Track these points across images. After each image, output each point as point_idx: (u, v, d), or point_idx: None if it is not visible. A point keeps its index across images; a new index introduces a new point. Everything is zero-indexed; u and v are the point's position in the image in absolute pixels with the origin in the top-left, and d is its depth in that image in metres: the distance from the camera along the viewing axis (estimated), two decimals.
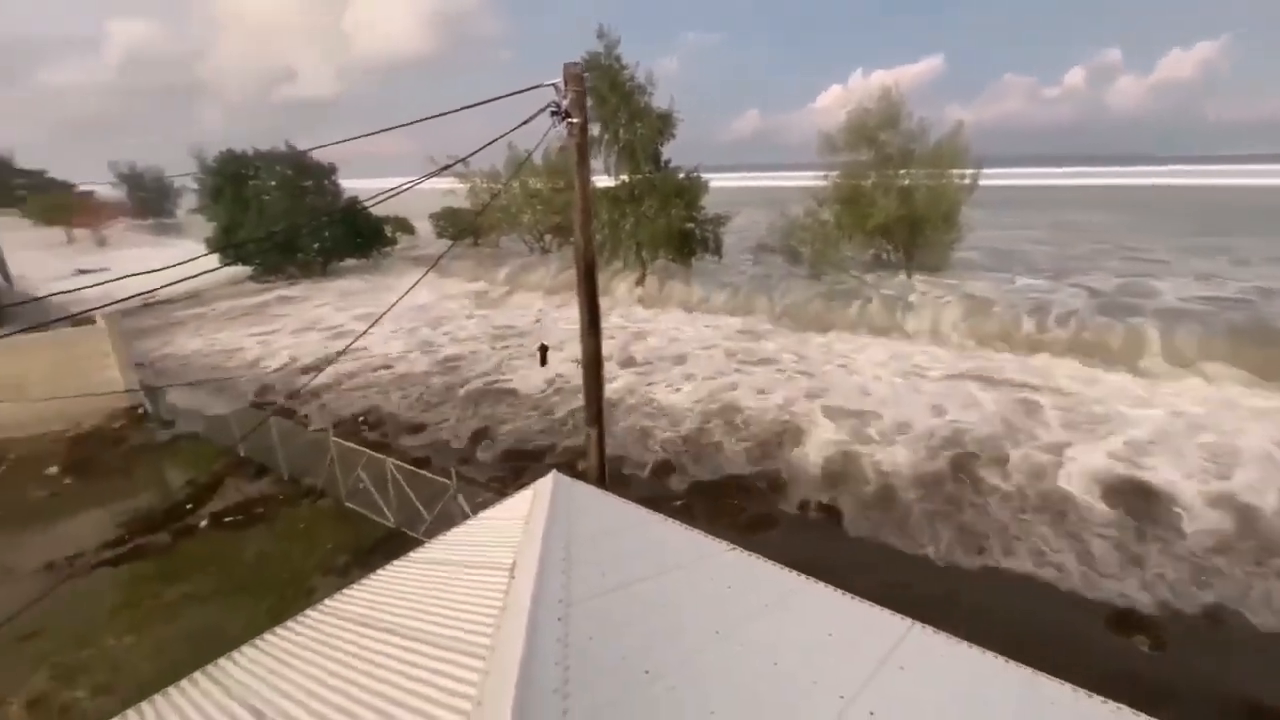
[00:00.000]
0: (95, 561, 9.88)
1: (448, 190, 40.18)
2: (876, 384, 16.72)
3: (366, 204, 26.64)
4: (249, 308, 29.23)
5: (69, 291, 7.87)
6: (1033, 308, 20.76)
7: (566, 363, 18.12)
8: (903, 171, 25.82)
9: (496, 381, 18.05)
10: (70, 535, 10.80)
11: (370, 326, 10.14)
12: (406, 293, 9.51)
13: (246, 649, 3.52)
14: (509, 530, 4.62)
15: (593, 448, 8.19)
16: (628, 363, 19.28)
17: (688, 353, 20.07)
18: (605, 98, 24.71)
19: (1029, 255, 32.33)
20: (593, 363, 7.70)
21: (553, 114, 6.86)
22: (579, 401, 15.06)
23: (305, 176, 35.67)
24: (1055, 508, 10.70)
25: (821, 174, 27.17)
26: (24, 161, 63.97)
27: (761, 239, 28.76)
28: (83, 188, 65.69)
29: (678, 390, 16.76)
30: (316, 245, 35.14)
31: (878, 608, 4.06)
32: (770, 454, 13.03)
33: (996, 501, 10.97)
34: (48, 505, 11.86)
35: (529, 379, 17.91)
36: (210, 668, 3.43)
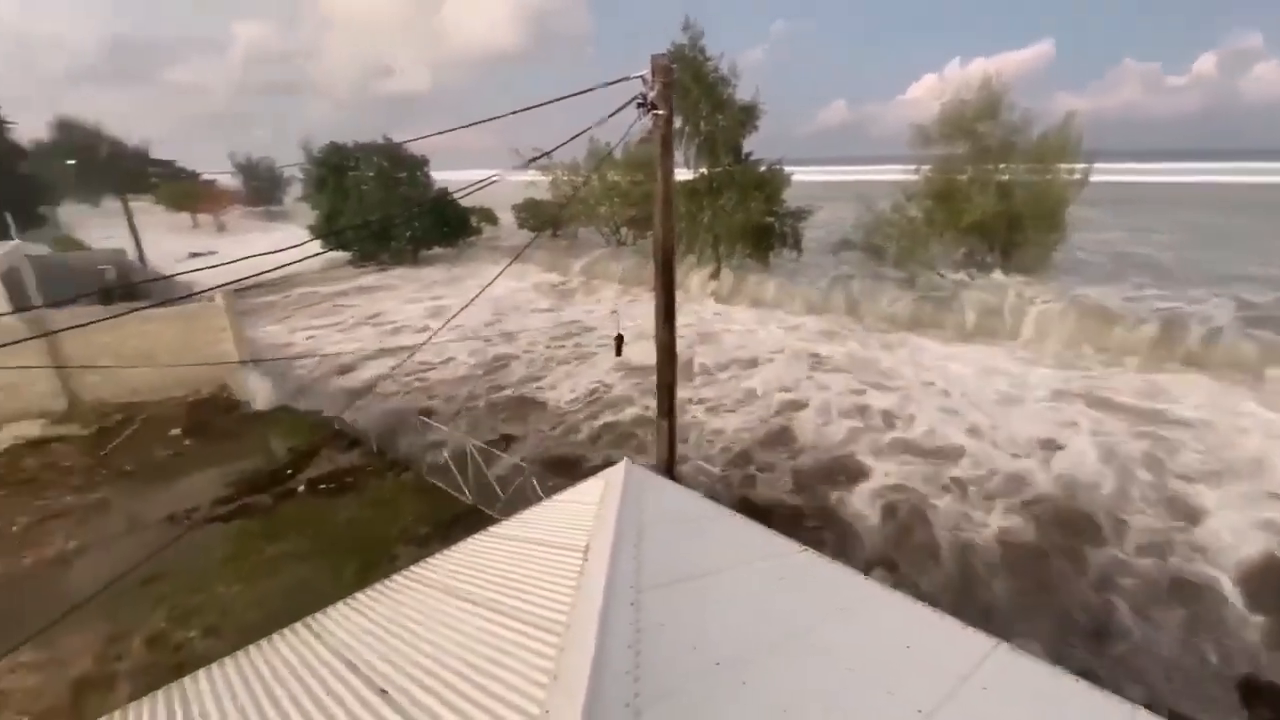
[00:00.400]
0: (208, 516, 10.87)
1: (530, 182, 41.25)
2: (966, 402, 14.92)
3: (456, 195, 27.77)
4: (323, 296, 29.93)
5: (192, 271, 8.69)
6: (1160, 319, 18.38)
7: (620, 360, 17.21)
8: (1002, 166, 24.25)
9: (533, 389, 16.77)
10: (188, 491, 11.95)
11: (440, 327, 10.55)
12: (481, 291, 9.79)
13: (340, 606, 3.78)
14: (582, 514, 4.72)
15: (663, 440, 8.22)
16: (686, 369, 17.58)
17: (757, 356, 18.94)
18: (688, 90, 24.57)
19: (1154, 260, 29.49)
20: (666, 353, 7.72)
21: (639, 106, 6.90)
22: (613, 415, 14.95)
23: (399, 168, 37.59)
24: (1189, 598, 8.31)
25: (912, 168, 25.95)
26: (157, 153, 70.62)
27: (845, 235, 27.79)
28: (206, 177, 72.09)
29: (732, 411, 15.04)
30: (408, 234, 36.95)
31: (959, 623, 3.87)
32: (827, 508, 10.85)
33: (1111, 590, 8.44)
34: (170, 463, 13.16)
35: (568, 387, 16.78)
36: (309, 620, 3.71)
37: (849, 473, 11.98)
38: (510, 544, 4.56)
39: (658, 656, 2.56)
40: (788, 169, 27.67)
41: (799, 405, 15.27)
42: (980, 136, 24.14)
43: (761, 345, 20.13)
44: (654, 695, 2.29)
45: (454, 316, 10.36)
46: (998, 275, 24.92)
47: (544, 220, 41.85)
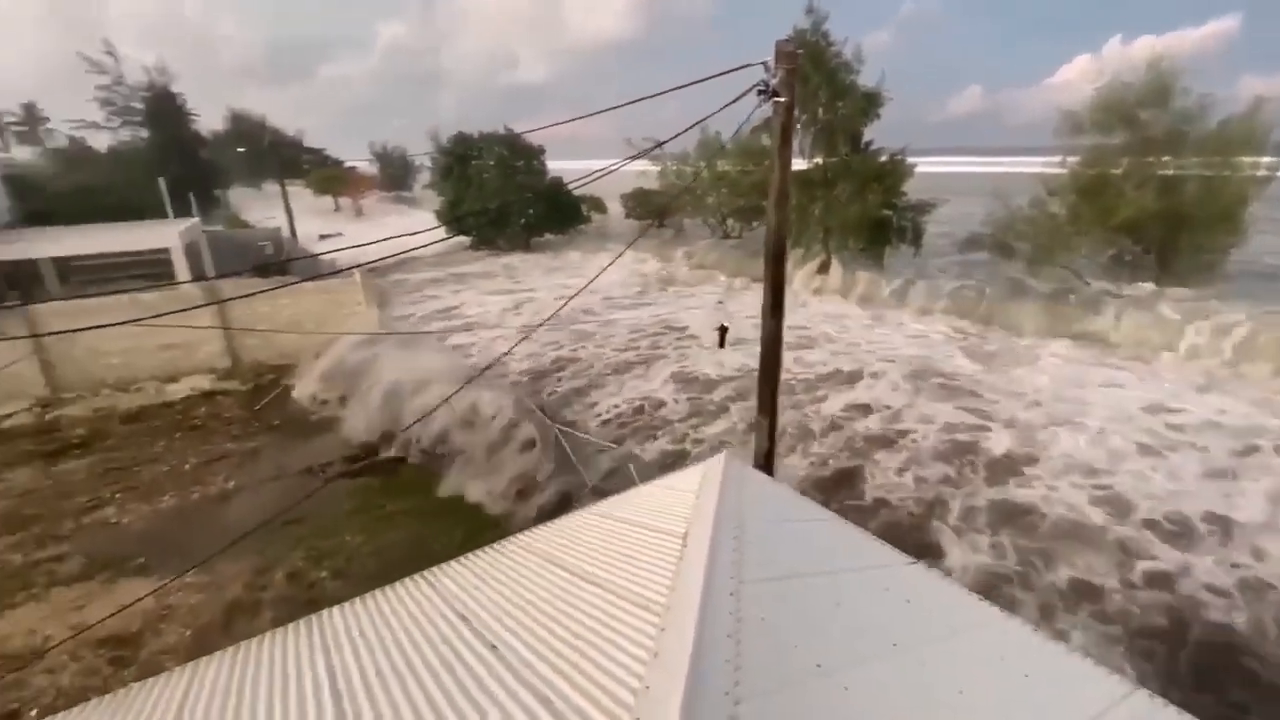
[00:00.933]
0: (340, 472, 12.04)
1: (640, 172, 41.69)
2: (1115, 440, 11.73)
3: (572, 185, 28.64)
4: (416, 284, 31.01)
5: (335, 251, 9.62)
6: None
7: (682, 371, 15.82)
8: (1166, 159, 21.39)
9: (571, 408, 14.85)
10: (323, 448, 13.29)
11: (544, 322, 10.95)
12: (589, 283, 10.08)
13: (454, 563, 4.06)
14: (679, 501, 4.74)
15: (762, 436, 8.08)
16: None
17: (861, 368, 16.40)
18: (807, 77, 23.73)
19: None
20: (772, 346, 7.55)
21: (759, 93, 6.75)
22: (643, 444, 12.43)
23: (518, 157, 39.29)
24: None
25: (1056, 159, 23.50)
26: (309, 142, 78.20)
27: (973, 232, 25.74)
28: (348, 164, 78.98)
29: (794, 449, 12.15)
30: (522, 221, 38.61)
31: (1090, 661, 3.51)
32: None
33: None
34: (310, 421, 14.68)
35: (610, 403, 14.82)
36: (425, 573, 4.01)
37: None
38: (608, 522, 4.68)
39: (758, 650, 2.53)
40: (911, 159, 26.03)
41: (887, 442, 12.20)
42: (1142, 125, 21.43)
43: (867, 354, 18.10)
44: (753, 688, 2.26)
45: (561, 307, 10.71)
46: (1150, 285, 22.13)
47: (651, 210, 42.17)
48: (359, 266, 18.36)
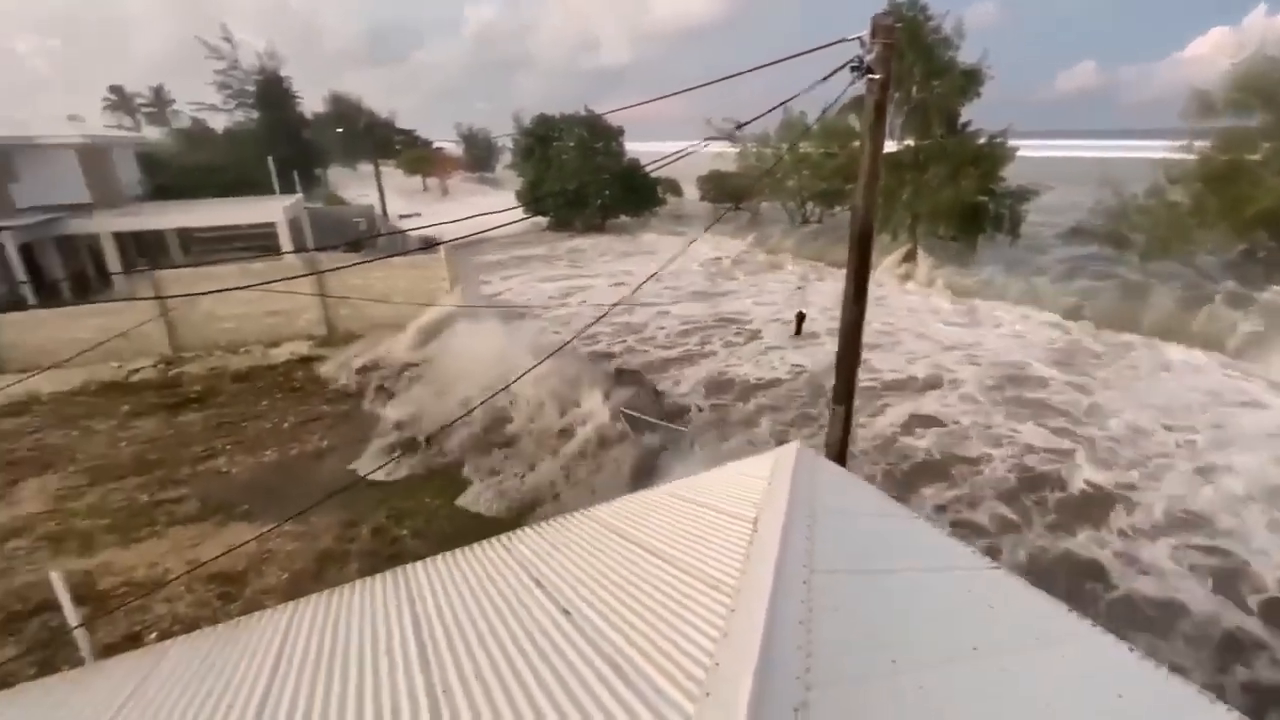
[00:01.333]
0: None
1: (717, 154, 41.04)
2: (1242, 482, 9.14)
3: (649, 166, 28.61)
4: (476, 266, 30.83)
5: (424, 228, 10.02)
6: None
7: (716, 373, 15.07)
8: None
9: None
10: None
11: (611, 306, 11.02)
12: (659, 270, 10.06)
13: (528, 530, 4.20)
14: (750, 486, 4.70)
15: (838, 425, 7.87)
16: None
17: (937, 373, 14.69)
18: (902, 53, 22.51)
19: None
20: (852, 334, 7.30)
21: (853, 70, 6.48)
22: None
23: (597, 138, 39.55)
24: None
25: (1180, 143, 21.26)
26: (401, 123, 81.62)
27: (1080, 221, 23.80)
28: (436, 145, 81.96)
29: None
30: (598, 202, 38.94)
31: (1195, 689, 3.24)
32: None
33: None
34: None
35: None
36: (501, 537, 4.18)
37: None
38: (677, 503, 4.70)
39: (830, 639, 2.49)
40: (1012, 142, 24.29)
41: (940, 471, 10.12)
42: None
43: (947, 355, 16.31)
44: (825, 676, 2.23)
45: (634, 291, 10.76)
46: None
47: (728, 193, 41.49)
48: (441, 244, 19.20)
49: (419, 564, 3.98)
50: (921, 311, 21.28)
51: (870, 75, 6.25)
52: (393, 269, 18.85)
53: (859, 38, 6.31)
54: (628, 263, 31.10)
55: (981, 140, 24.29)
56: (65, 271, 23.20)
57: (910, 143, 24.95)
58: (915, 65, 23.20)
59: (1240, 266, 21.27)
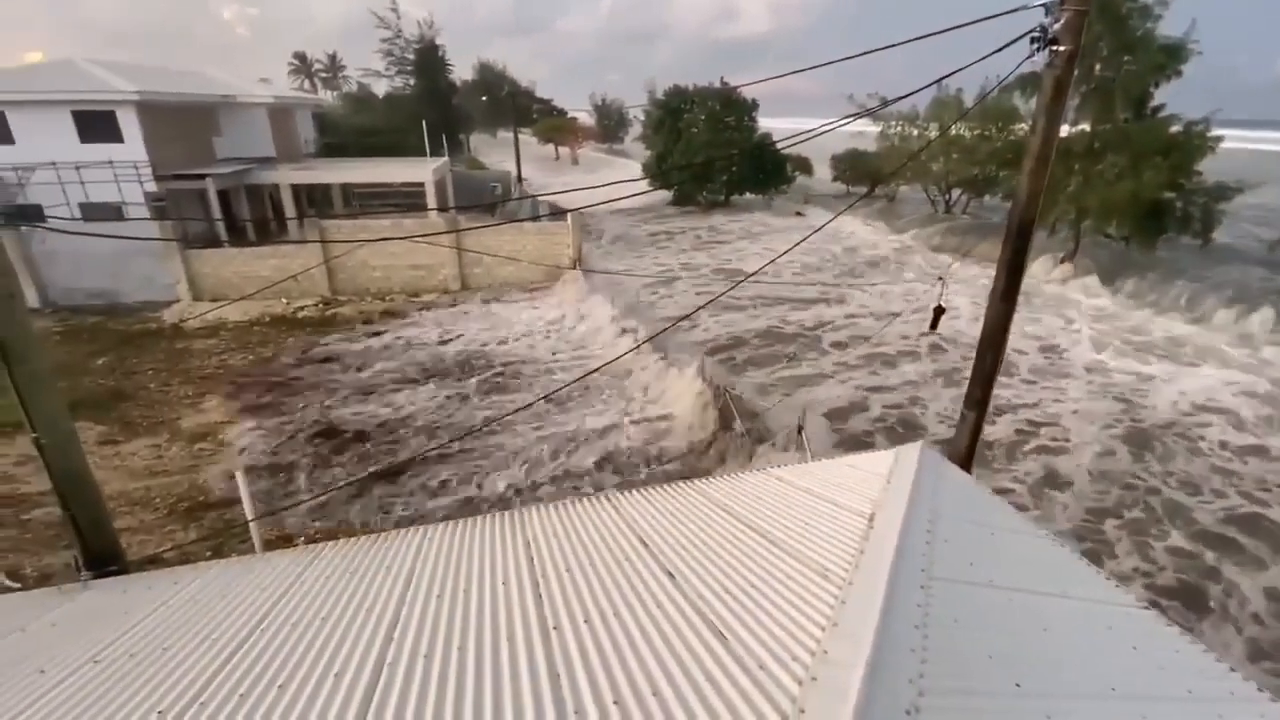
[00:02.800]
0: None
1: (857, 132, 38.69)
2: None
3: (780, 143, 27.59)
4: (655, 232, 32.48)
5: (555, 195, 10.36)
6: None
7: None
8: None
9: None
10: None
11: (714, 298, 10.76)
12: (775, 259, 9.68)
13: (635, 492, 4.32)
14: (867, 481, 4.50)
15: (966, 432, 7.33)
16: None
17: (1059, 422, 11.64)
18: (1091, 22, 19.84)
19: None
20: (995, 335, 6.71)
21: (1033, 40, 5.82)
22: None
23: (729, 112, 38.58)
24: None
25: None
26: (539, 92, 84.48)
27: None
28: (570, 115, 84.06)
29: None
30: (724, 178, 38.17)
31: None
32: None
33: None
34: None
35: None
36: (609, 493, 4.33)
37: None
38: (787, 488, 4.61)
39: (948, 650, 2.36)
40: (1216, 131, 20.81)
41: None
42: None
43: (1091, 388, 13.41)
44: (940, 684, 2.12)
45: (740, 282, 10.49)
46: None
47: (864, 174, 39.15)
48: (564, 211, 19.83)
49: (533, 508, 4.22)
50: (1077, 326, 18.35)
51: (1054, 47, 5.58)
52: (523, 233, 19.85)
53: (1045, 3, 5.64)
54: (709, 254, 29.41)
55: (1176, 127, 20.99)
56: (251, 215, 26.57)
57: (1085, 127, 22.08)
58: (1103, 37, 20.36)
59: None
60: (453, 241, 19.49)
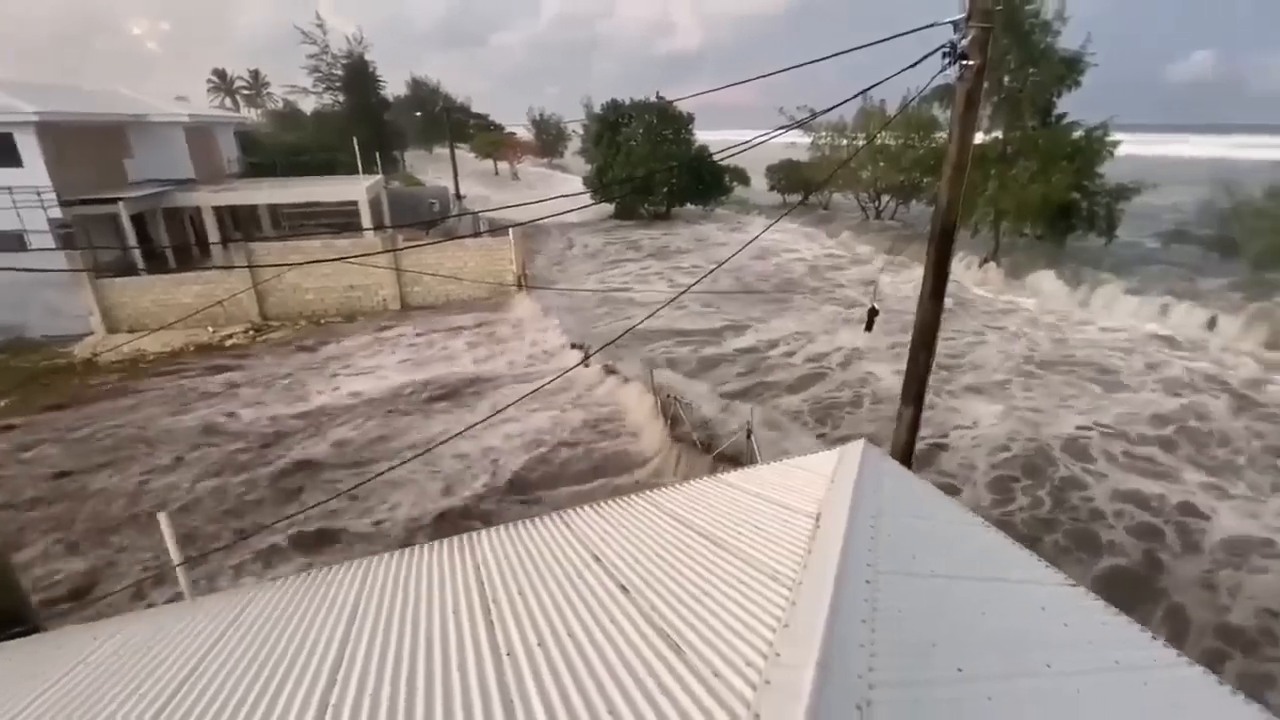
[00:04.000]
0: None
1: (790, 143, 39.95)
2: None
3: (718, 154, 28.21)
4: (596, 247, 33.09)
5: (494, 210, 10.29)
6: None
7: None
8: None
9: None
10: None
11: (663, 304, 10.95)
12: (731, 257, 9.89)
13: (586, 508, 4.29)
14: (812, 481, 4.61)
15: (903, 428, 7.62)
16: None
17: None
18: (996, 38, 21.21)
19: None
20: (926, 334, 7.03)
21: (944, 55, 6.17)
22: None
23: (667, 125, 39.25)
24: None
25: None
26: (476, 107, 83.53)
27: (1184, 224, 21.95)
28: (508, 130, 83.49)
29: None
30: (665, 190, 38.72)
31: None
32: None
33: None
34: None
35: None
36: (560, 513, 4.28)
37: None
38: (735, 492, 4.68)
39: (894, 641, 2.43)
40: (1114, 136, 22.57)
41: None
42: None
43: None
44: (889, 677, 2.18)
45: (687, 290, 10.67)
46: None
47: (798, 184, 40.46)
48: (502, 227, 19.67)
49: (482, 532, 4.12)
50: (1010, 323, 20.09)
51: (964, 61, 5.94)
52: (464, 250, 19.53)
53: (954, 21, 6.00)
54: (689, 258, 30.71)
55: (1078, 133, 22.67)
56: (170, 241, 25.15)
57: (998, 135, 23.56)
58: (1009, 52, 21.82)
59: None
60: (390, 261, 18.99)
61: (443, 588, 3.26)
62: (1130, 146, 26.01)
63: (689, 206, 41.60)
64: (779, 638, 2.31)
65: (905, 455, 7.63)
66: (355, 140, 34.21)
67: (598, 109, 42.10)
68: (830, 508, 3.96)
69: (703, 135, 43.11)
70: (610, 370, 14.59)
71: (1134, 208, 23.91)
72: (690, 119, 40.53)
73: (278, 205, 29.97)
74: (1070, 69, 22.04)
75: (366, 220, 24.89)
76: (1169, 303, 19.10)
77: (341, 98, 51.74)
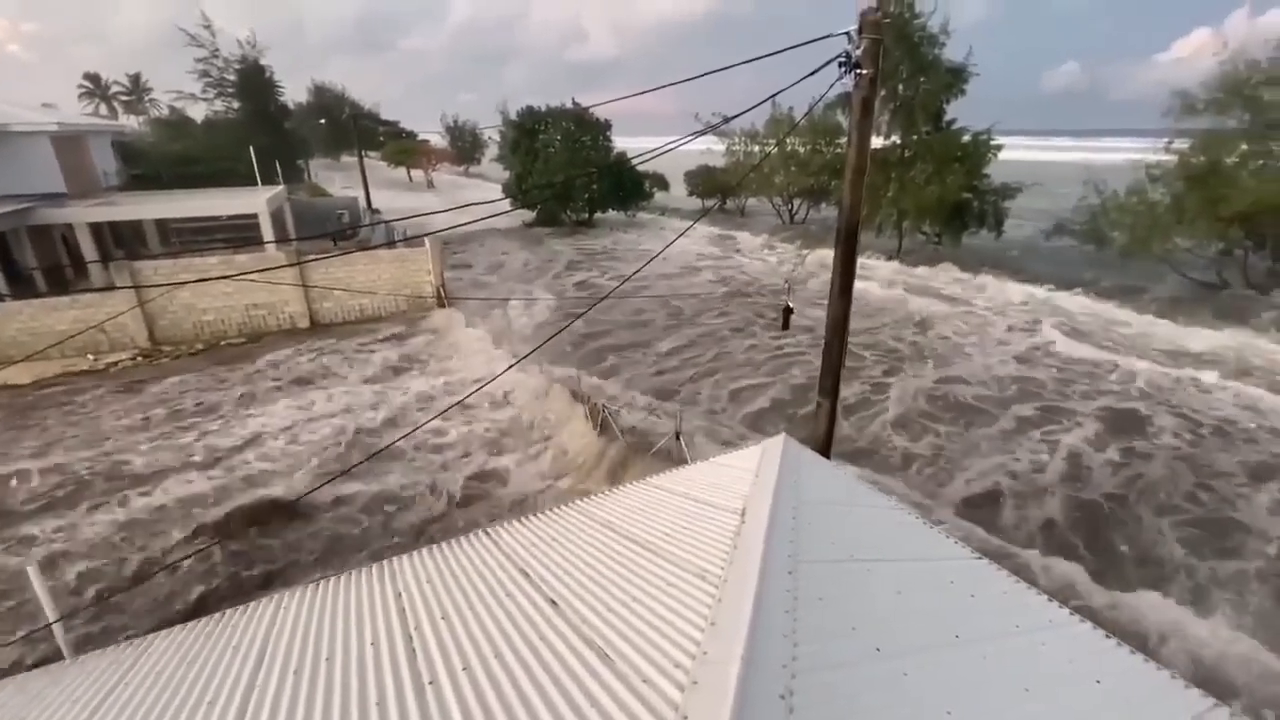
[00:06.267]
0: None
1: (705, 149, 40.97)
2: None
3: (635, 160, 28.50)
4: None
5: (407, 218, 9.95)
6: None
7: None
8: None
9: None
10: None
11: (564, 325, 11.03)
12: (647, 263, 10.04)
13: (515, 522, 4.19)
14: (737, 478, 4.73)
15: (822, 420, 7.93)
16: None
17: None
18: (889, 49, 22.62)
19: None
20: (838, 330, 7.36)
21: (840, 65, 6.50)
22: None
23: (584, 132, 39.22)
24: None
25: (1160, 143, 21.59)
26: (385, 114, 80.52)
27: (1061, 219, 24.09)
28: (421, 137, 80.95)
29: None
30: (586, 196, 38.66)
31: (1168, 674, 3.32)
32: None
33: None
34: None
35: None
36: (488, 529, 4.17)
37: None
38: (665, 495, 4.72)
39: (815, 628, 2.52)
40: (998, 140, 24.51)
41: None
42: (1267, 106, 19.36)
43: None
44: (811, 664, 2.25)
45: (606, 296, 10.73)
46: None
47: (715, 189, 41.47)
48: (418, 237, 19.05)
49: (405, 556, 3.96)
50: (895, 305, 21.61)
51: (858, 70, 6.28)
52: (378, 261, 18.69)
53: (847, 33, 6.32)
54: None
55: (966, 138, 24.52)
56: (39, 262, 22.67)
57: (896, 140, 25.12)
58: (902, 62, 23.34)
59: (1218, 265, 21.72)
60: (297, 277, 17.94)
61: (360, 619, 3.09)
62: (1012, 151, 28.39)
63: (611, 213, 41.79)
64: (706, 636, 2.34)
65: (824, 446, 7.96)
66: (253, 149, 32.16)
67: (514, 115, 41.55)
68: (754, 503, 4.07)
69: (622, 142, 43.45)
70: (544, 379, 14.39)
71: (1018, 207, 26.12)
72: (608, 125, 40.72)
73: (167, 220, 27.67)
74: (956, 78, 23.85)
75: (268, 234, 23.39)
76: (1050, 288, 21.43)
77: (236, 104, 48.48)
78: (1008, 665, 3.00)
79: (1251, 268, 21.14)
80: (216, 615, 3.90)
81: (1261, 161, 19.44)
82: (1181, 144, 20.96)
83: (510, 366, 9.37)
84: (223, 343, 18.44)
